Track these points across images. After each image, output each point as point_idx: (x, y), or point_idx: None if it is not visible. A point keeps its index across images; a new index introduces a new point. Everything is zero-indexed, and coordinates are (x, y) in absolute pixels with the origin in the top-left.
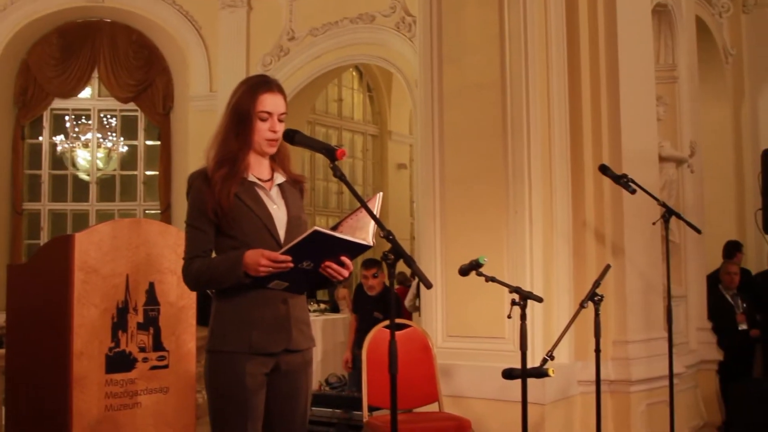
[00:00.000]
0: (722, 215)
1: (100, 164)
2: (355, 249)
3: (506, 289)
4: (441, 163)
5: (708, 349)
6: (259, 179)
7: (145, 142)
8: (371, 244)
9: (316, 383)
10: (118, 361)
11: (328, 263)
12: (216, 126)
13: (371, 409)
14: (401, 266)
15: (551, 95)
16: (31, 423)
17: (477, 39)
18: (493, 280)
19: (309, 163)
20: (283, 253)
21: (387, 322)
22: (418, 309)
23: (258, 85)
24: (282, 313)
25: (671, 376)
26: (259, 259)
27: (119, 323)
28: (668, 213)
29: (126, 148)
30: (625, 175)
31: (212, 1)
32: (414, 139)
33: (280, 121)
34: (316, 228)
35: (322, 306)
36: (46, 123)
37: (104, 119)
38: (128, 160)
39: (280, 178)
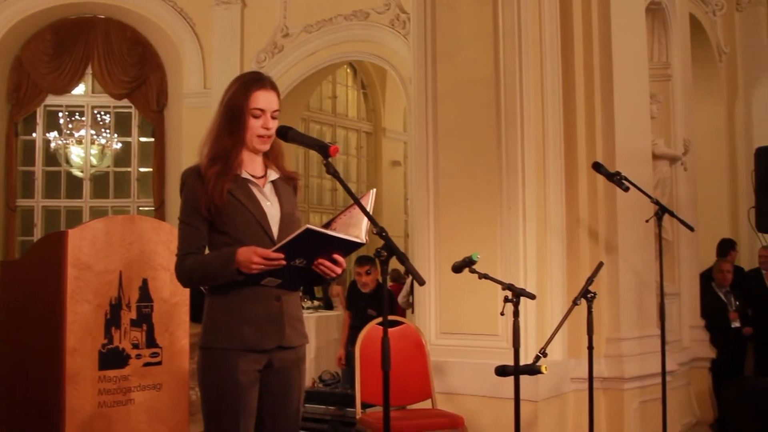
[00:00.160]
0: (715, 213)
1: (94, 161)
2: (347, 246)
3: (499, 286)
4: (435, 160)
5: (701, 346)
6: (253, 176)
7: (139, 139)
8: (364, 241)
9: (310, 380)
10: (112, 358)
11: (320, 261)
12: (209, 123)
13: (364, 406)
14: (395, 263)
15: (545, 92)
16: (24, 419)
17: (471, 36)
18: (486, 277)
19: (303, 160)
20: (275, 251)
21: (380, 319)
22: (411, 305)
23: (251, 82)
24: (275, 310)
25: (664, 373)
26: (251, 257)
27: (112, 320)
28: (661, 211)
29: (120, 145)
30: (618, 173)
31: None
32: (408, 136)
33: (273, 118)
34: (308, 226)
35: (316, 303)
36: (40, 119)
37: (98, 116)
38: (122, 157)
39: (273, 175)
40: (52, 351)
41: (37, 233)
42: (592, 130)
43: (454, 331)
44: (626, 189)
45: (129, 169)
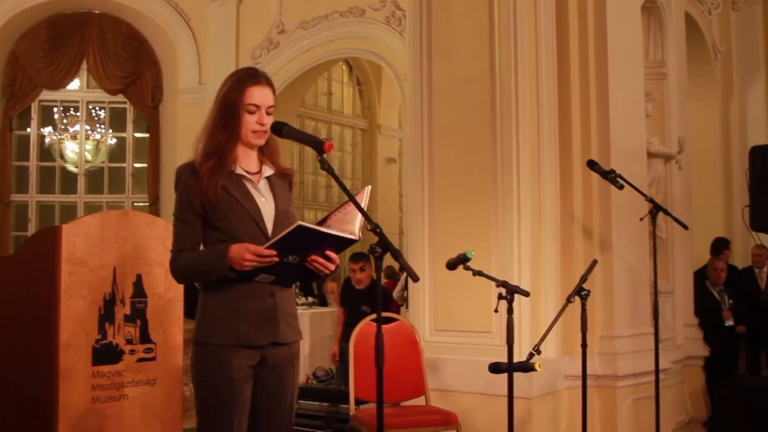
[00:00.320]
0: (710, 212)
1: (89, 156)
2: (340, 243)
3: (493, 283)
4: (430, 157)
5: (694, 344)
6: (247, 172)
7: (134, 135)
8: (357, 237)
9: (304, 376)
10: (105, 353)
11: (314, 257)
12: (205, 118)
13: (358, 402)
14: (389, 260)
15: (540, 90)
16: (18, 415)
17: (466, 33)
18: (480, 274)
19: (298, 156)
20: (267, 248)
21: (374, 316)
22: (406, 300)
23: (246, 77)
24: (269, 306)
25: (657, 371)
26: (243, 254)
27: (106, 315)
28: (656, 209)
29: (114, 141)
30: (613, 171)
31: None
32: (403, 133)
33: (268, 113)
34: (300, 222)
35: (310, 299)
36: (35, 114)
37: (93, 111)
38: (117, 153)
39: (268, 171)
40: (45, 346)
41: (32, 228)
42: (587, 127)
43: (448, 328)
44: (621, 187)
45: (124, 165)
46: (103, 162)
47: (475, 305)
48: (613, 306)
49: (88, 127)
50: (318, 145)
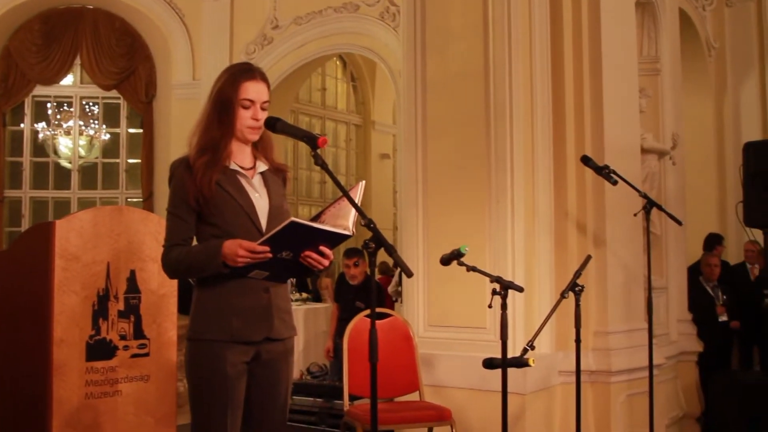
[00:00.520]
0: (703, 207)
1: (82, 152)
2: (334, 238)
3: (487, 279)
4: (424, 153)
5: (688, 340)
6: (242, 167)
7: (128, 130)
8: (350, 233)
9: (298, 372)
10: (99, 349)
11: (307, 253)
12: (199, 114)
13: (352, 398)
14: (383, 255)
15: (534, 86)
16: (11, 411)
17: (460, 29)
18: (474, 269)
19: (292, 152)
20: (260, 244)
21: (368, 312)
22: (400, 295)
23: (241, 72)
24: (264, 302)
25: (651, 367)
26: (236, 250)
27: (100, 311)
28: (650, 204)
29: (108, 136)
30: (606, 166)
31: None
32: (397, 129)
33: (262, 109)
34: (293, 218)
35: (304, 295)
36: (28, 110)
37: (86, 107)
38: (110, 148)
39: (262, 167)
40: (39, 342)
41: (25, 224)
42: (581, 123)
43: (442, 324)
44: (615, 183)
45: (117, 160)
46: (96, 157)
47: (469, 301)
48: (607, 302)
49: (81, 123)
50: (312, 141)
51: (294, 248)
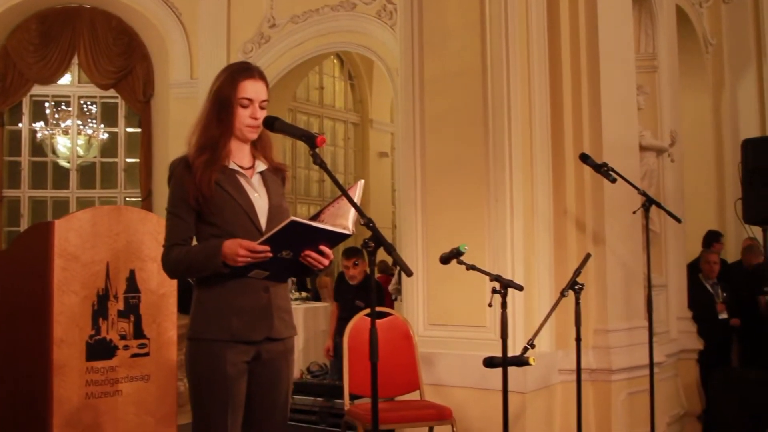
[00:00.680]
0: (702, 205)
1: (81, 151)
2: (334, 237)
3: (487, 278)
4: (422, 152)
5: (688, 338)
6: (240, 167)
7: (126, 130)
8: (350, 232)
9: (298, 371)
10: (99, 349)
11: (307, 252)
12: (198, 113)
13: (352, 397)
14: (382, 254)
15: (532, 83)
16: (12, 411)
17: (458, 26)
18: (473, 268)
19: (290, 151)
20: (260, 243)
21: (368, 311)
22: (400, 293)
23: (239, 71)
24: (264, 302)
25: (651, 365)
26: (237, 249)
27: (100, 311)
28: (649, 202)
29: (106, 135)
30: (605, 164)
31: None
32: (395, 127)
33: (261, 108)
34: (293, 218)
35: (304, 294)
36: (26, 109)
37: (84, 106)
38: (109, 147)
39: (261, 166)
40: (39, 342)
41: (24, 224)
42: (579, 121)
43: (442, 323)
44: (613, 180)
45: (116, 160)
46: (95, 157)
47: (469, 299)
48: (607, 300)
49: (79, 122)
50: (310, 140)
51: (294, 247)
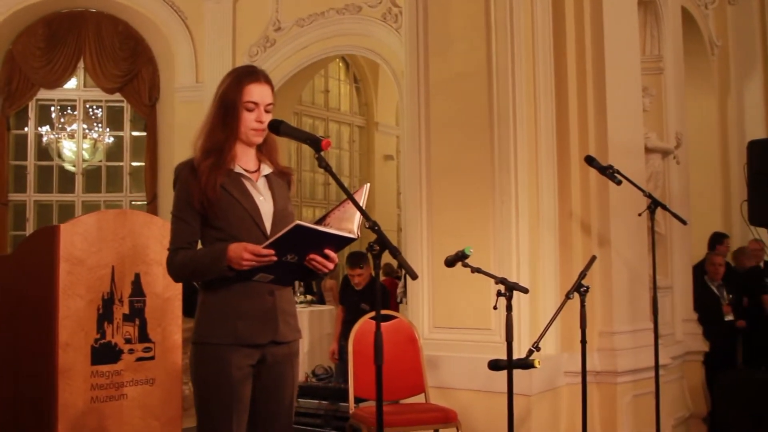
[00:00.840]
0: (708, 207)
1: (86, 155)
2: (339, 241)
3: (492, 280)
4: (427, 154)
5: (694, 340)
6: (246, 170)
7: (131, 133)
8: (355, 236)
9: (303, 375)
10: (104, 353)
11: (312, 256)
12: (204, 116)
13: (358, 400)
14: (388, 257)
15: (537, 86)
16: (17, 414)
17: (463, 29)
18: (479, 271)
19: (296, 154)
20: (265, 247)
21: (374, 314)
22: (405, 296)
23: (245, 75)
24: (269, 305)
25: (657, 367)
26: (242, 253)
27: (105, 314)
28: (654, 204)
29: (112, 139)
30: (610, 166)
31: None
32: (401, 130)
33: (266, 111)
34: (298, 222)
35: (309, 297)
36: (32, 113)
37: (90, 110)
38: (114, 151)
39: (266, 170)
40: (44, 346)
41: (30, 228)
42: (585, 123)
43: (447, 326)
44: (619, 182)
45: (121, 164)
46: (100, 161)
47: (474, 302)
48: (612, 302)
49: (85, 126)
50: (315, 143)
51: (299, 251)
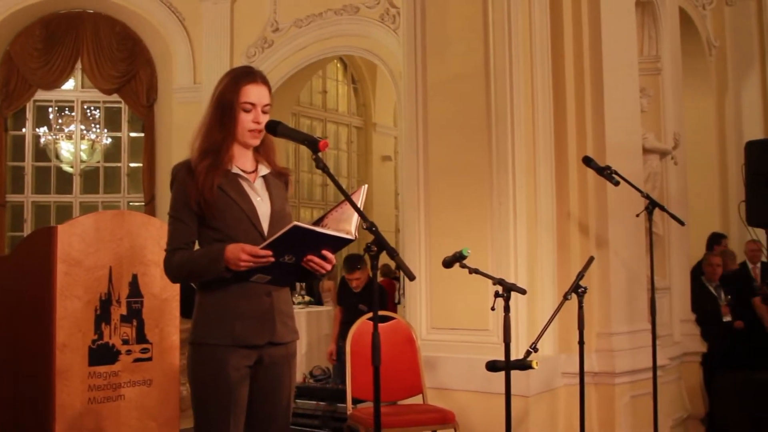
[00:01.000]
0: (706, 207)
1: (84, 156)
2: (336, 242)
3: (490, 281)
4: (425, 155)
5: (692, 341)
6: (243, 171)
7: (129, 134)
8: (353, 237)
9: (301, 375)
10: (102, 354)
11: (310, 257)
12: (201, 117)
13: (355, 401)
14: (385, 258)
15: (535, 87)
16: (14, 415)
17: (461, 30)
18: (476, 272)
19: (293, 155)
20: (263, 248)
21: (371, 315)
22: (403, 296)
23: (242, 76)
24: (266, 306)
25: (655, 368)
26: (239, 254)
27: (102, 315)
28: (652, 205)
29: (110, 140)
30: (608, 167)
31: None
32: (398, 131)
33: (264, 112)
34: (296, 223)
35: (306, 298)
36: (29, 114)
37: (88, 111)
38: (112, 152)
39: (264, 170)
40: (41, 347)
41: (27, 229)
42: (582, 124)
43: (444, 327)
44: (616, 183)
45: (119, 165)
46: (98, 162)
47: (472, 303)
48: (610, 303)
49: (83, 127)
50: (313, 144)
51: (296, 252)
